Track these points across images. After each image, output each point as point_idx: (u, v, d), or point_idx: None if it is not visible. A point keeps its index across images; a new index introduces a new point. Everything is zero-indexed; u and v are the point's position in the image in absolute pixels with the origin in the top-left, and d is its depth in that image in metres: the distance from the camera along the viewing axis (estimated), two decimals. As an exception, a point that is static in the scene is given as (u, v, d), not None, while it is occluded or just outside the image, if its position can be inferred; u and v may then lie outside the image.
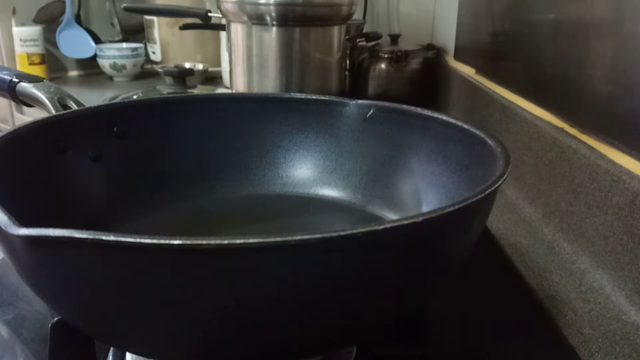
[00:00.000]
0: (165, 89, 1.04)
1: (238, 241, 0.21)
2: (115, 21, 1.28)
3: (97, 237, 0.21)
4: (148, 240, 0.21)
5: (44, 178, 0.39)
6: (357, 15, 0.91)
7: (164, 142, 0.46)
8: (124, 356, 0.35)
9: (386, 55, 0.92)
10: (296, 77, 0.81)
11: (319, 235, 0.22)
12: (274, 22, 0.77)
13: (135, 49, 1.20)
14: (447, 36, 0.92)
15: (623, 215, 0.38)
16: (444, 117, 0.41)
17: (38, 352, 0.37)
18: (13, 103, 0.49)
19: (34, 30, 1.12)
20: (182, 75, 1.04)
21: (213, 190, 0.47)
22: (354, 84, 0.93)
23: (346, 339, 0.30)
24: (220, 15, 0.84)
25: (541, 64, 0.56)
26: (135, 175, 0.45)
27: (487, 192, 0.27)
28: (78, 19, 1.23)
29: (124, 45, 1.22)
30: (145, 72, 1.24)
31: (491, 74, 0.71)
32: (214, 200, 0.46)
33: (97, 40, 1.24)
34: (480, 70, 0.76)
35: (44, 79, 0.46)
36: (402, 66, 0.92)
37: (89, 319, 0.27)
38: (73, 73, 1.28)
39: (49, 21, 1.20)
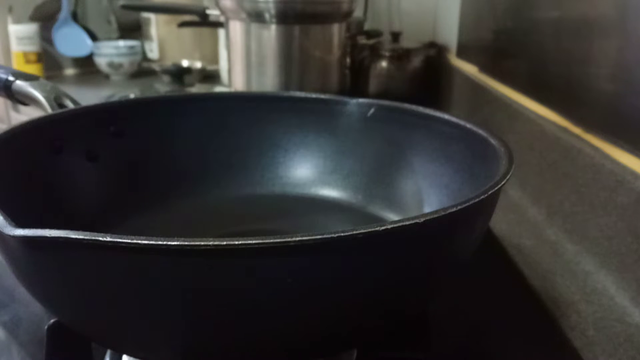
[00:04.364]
0: (162, 87, 1.04)
1: (236, 242, 0.21)
2: (112, 19, 1.28)
3: (93, 237, 0.21)
4: (145, 241, 0.21)
5: (40, 178, 0.38)
6: (358, 13, 0.91)
7: (161, 142, 0.46)
8: (120, 359, 0.34)
9: (387, 53, 0.91)
10: (295, 76, 0.81)
11: (318, 236, 0.22)
12: (273, 20, 0.77)
13: (132, 47, 1.19)
14: (450, 34, 0.92)
15: (627, 215, 0.38)
16: (446, 116, 0.41)
17: (35, 354, 0.36)
18: (9, 102, 0.48)
19: (30, 28, 1.11)
20: (179, 74, 1.04)
21: (211, 191, 0.46)
22: (355, 82, 0.93)
23: (346, 341, 0.29)
24: (218, 12, 0.84)
25: (544, 62, 0.55)
26: (133, 175, 0.44)
27: (490, 192, 0.27)
28: (75, 17, 1.23)
29: (121, 43, 1.21)
30: (142, 71, 1.23)
31: (494, 73, 0.70)
32: (212, 201, 0.46)
33: (94, 38, 1.23)
34: (483, 69, 0.75)
35: (40, 77, 0.46)
36: (404, 64, 0.91)
37: (86, 321, 0.27)
38: (69, 71, 1.27)
39: (45, 19, 1.19)
